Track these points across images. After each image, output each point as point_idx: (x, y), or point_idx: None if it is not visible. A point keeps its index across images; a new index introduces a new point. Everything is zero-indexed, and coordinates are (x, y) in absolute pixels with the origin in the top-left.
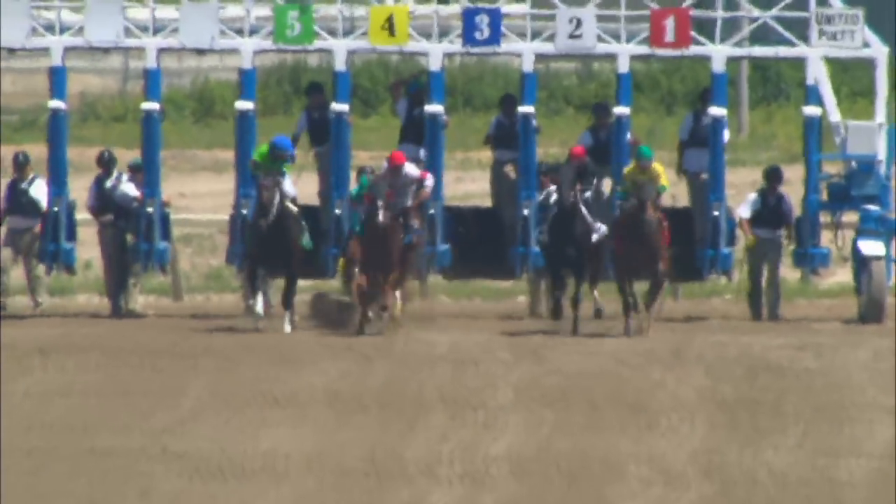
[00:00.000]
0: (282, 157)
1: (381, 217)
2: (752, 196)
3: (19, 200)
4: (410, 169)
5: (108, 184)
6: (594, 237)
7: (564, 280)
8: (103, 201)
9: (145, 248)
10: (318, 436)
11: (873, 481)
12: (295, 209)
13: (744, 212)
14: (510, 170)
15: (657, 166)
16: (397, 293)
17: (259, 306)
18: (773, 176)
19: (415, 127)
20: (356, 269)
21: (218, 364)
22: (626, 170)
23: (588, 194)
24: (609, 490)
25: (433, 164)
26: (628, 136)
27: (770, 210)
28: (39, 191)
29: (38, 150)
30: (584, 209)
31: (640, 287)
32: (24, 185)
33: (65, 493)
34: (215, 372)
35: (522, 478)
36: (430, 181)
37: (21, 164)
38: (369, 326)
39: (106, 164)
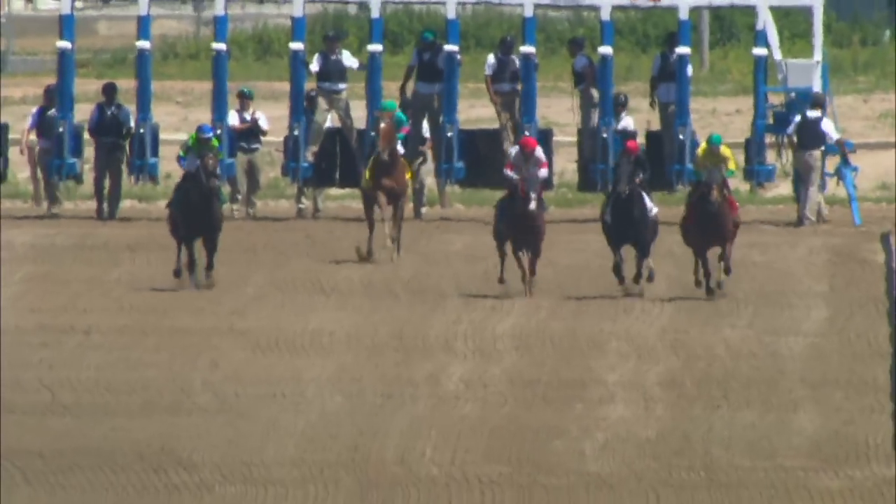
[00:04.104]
0: (207, 140)
1: (532, 205)
2: (796, 118)
3: (106, 122)
4: (539, 152)
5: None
6: (651, 215)
7: (622, 253)
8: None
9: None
10: (355, 318)
11: (810, 355)
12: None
13: (789, 129)
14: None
15: (725, 150)
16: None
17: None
18: (813, 99)
19: (427, 69)
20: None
21: (275, 258)
22: (698, 152)
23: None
24: (594, 363)
25: (450, 94)
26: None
27: (809, 130)
28: (125, 116)
29: (126, 84)
30: (643, 195)
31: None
32: (111, 111)
33: (151, 364)
34: (273, 265)
35: (523, 352)
36: (545, 172)
37: (110, 93)
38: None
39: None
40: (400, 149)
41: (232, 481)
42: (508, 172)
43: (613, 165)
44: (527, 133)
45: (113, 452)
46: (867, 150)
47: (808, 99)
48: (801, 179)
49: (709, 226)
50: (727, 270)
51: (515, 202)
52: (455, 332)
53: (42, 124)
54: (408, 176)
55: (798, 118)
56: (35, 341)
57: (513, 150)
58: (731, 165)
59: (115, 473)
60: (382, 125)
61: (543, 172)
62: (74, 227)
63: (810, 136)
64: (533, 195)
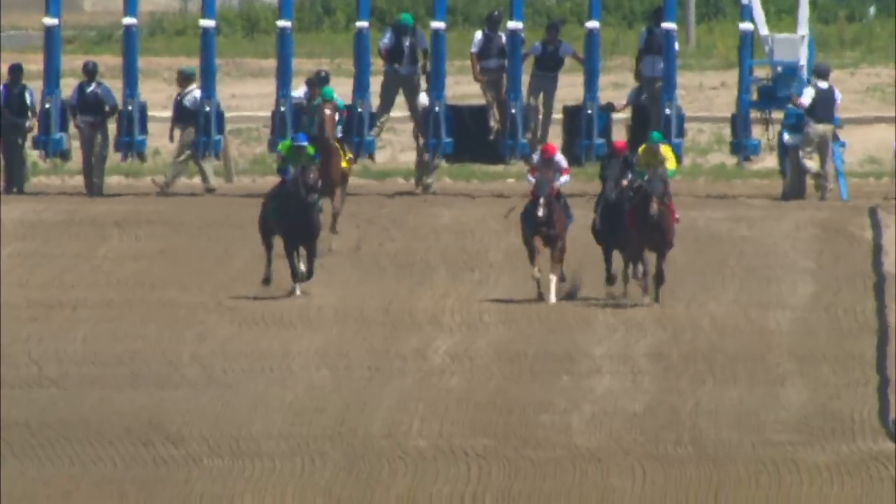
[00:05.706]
0: (303, 149)
1: (541, 212)
2: (809, 89)
3: (87, 101)
4: (560, 158)
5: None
6: None
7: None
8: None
9: (204, 140)
10: (343, 292)
11: (796, 329)
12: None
13: (804, 100)
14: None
15: (666, 149)
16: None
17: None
18: (820, 70)
19: (400, 53)
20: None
21: None
22: (640, 151)
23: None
24: (580, 336)
25: (437, 71)
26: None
27: (826, 101)
28: (106, 93)
29: (113, 61)
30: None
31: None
32: (91, 89)
33: (138, 337)
34: (259, 239)
35: (510, 325)
36: (566, 179)
37: (90, 71)
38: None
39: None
40: (338, 133)
41: (219, 454)
42: (530, 177)
43: (601, 164)
44: (513, 110)
45: (101, 425)
46: (854, 125)
47: (796, 74)
48: (818, 153)
49: (647, 233)
50: (660, 280)
51: (535, 206)
52: (442, 305)
53: (9, 102)
54: (344, 164)
55: (810, 91)
56: (23, 316)
57: (535, 156)
58: (672, 165)
59: (102, 446)
60: (326, 111)
61: (564, 179)
62: (63, 202)
63: (827, 106)
64: (542, 201)
